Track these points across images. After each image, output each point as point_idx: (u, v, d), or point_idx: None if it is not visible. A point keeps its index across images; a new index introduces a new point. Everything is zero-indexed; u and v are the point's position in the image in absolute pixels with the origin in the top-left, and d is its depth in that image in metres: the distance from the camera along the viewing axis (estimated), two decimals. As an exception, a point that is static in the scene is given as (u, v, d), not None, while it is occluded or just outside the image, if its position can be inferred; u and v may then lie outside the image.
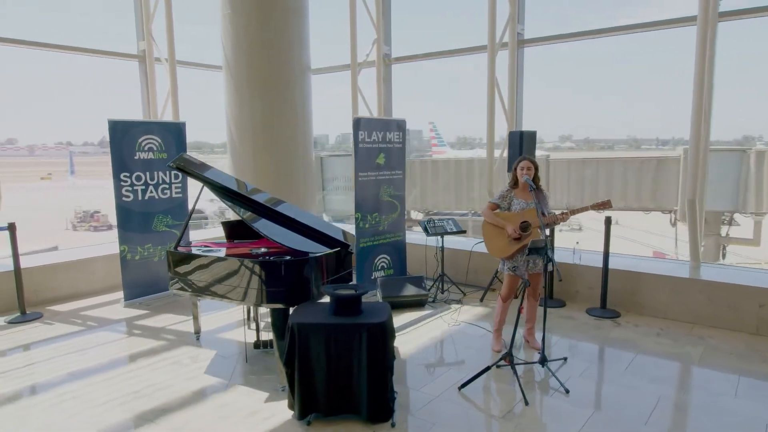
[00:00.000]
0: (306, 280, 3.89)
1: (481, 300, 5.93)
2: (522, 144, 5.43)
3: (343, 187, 11.44)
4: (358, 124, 5.83)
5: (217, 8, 7.14)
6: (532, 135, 5.60)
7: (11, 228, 5.55)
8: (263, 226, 4.14)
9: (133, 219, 5.97)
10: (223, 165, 7.08)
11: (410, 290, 5.66)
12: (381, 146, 6.10)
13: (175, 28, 7.47)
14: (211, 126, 7.71)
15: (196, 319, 4.84)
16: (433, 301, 5.84)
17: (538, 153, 5.88)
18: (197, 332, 4.86)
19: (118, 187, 5.85)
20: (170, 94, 7.40)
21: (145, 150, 6.03)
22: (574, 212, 4.25)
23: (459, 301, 5.87)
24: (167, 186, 6.26)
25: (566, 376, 3.97)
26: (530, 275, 4.42)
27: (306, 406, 3.30)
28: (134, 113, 7.55)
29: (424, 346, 4.64)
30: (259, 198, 4.32)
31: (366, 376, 3.22)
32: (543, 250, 3.92)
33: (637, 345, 4.60)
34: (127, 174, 5.89)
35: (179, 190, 6.37)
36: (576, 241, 5.98)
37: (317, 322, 3.28)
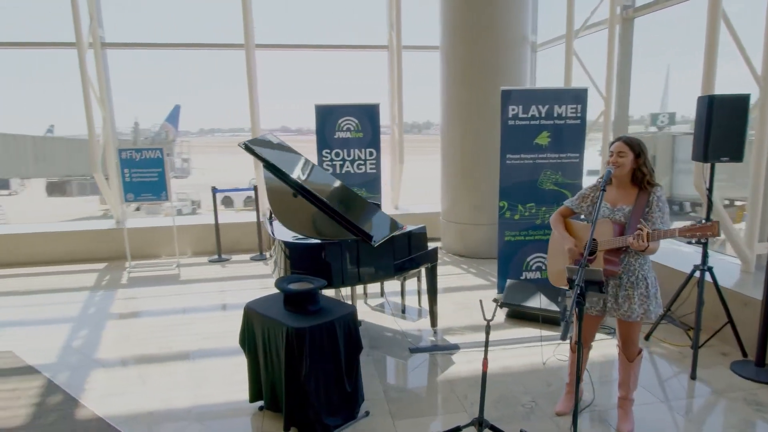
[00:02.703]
0: (326, 266, 3.49)
1: (647, 338, 3.95)
2: (711, 114, 3.20)
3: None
4: (507, 96, 4.63)
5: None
6: (737, 101, 3.19)
7: (255, 190, 6.93)
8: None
9: (331, 189, 6.50)
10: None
11: (538, 301, 4.26)
12: (544, 123, 4.67)
13: (422, 14, 7.46)
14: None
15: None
16: (578, 323, 4.22)
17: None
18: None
19: (320, 162, 6.46)
20: (396, 78, 7.52)
21: (343, 130, 6.41)
22: (652, 236, 2.36)
23: (612, 331, 4.06)
24: (362, 162, 6.51)
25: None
26: (619, 323, 2.71)
27: (254, 391, 3.05)
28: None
29: (478, 375, 3.48)
30: (317, 189, 3.96)
31: (284, 384, 2.72)
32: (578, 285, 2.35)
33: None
34: (328, 150, 6.42)
35: (373, 166, 6.53)
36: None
37: (259, 311, 2.94)
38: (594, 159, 6.41)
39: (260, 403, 3.04)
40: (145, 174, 6.45)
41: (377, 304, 4.91)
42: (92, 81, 6.79)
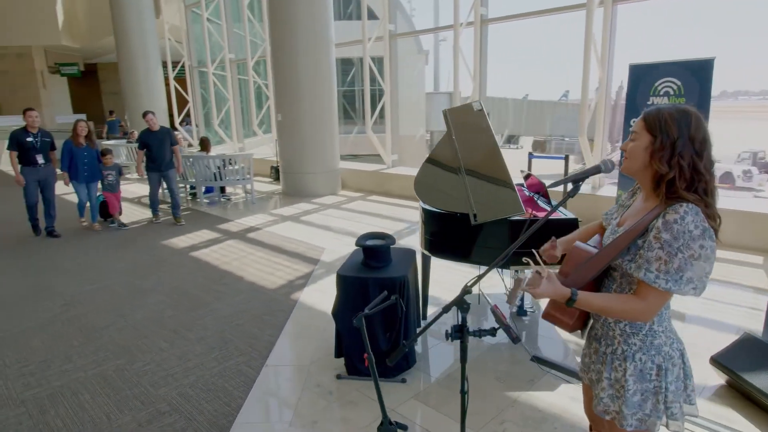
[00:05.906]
0: (450, 236, 3.39)
1: None
2: None
3: None
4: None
5: None
6: None
7: (566, 159, 6.42)
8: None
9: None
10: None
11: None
12: None
13: None
14: None
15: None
16: None
17: None
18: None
19: (625, 134, 5.31)
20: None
21: (660, 94, 5.00)
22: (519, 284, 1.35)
23: None
24: (680, 136, 4.90)
25: None
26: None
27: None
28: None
29: (555, 413, 2.59)
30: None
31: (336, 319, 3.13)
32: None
33: None
34: (636, 119, 5.16)
35: (696, 142, 4.81)
36: None
37: (346, 259, 3.34)
38: None
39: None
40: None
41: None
42: (596, 41, 6.57)
